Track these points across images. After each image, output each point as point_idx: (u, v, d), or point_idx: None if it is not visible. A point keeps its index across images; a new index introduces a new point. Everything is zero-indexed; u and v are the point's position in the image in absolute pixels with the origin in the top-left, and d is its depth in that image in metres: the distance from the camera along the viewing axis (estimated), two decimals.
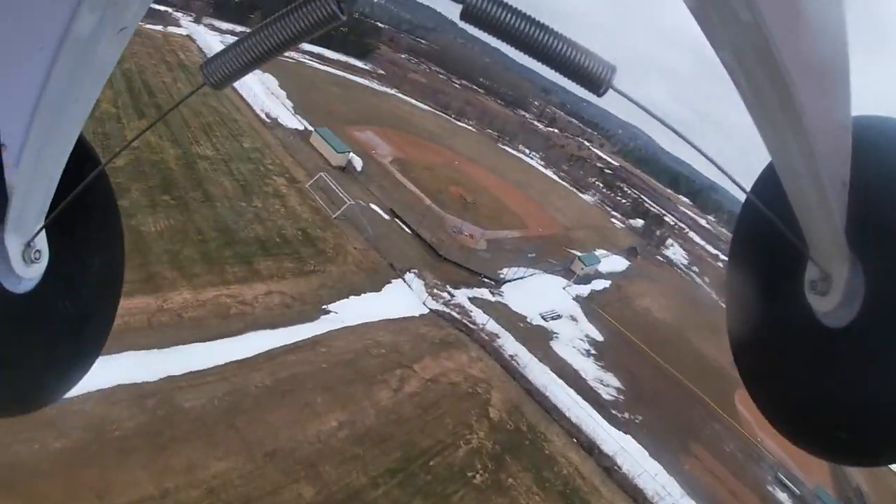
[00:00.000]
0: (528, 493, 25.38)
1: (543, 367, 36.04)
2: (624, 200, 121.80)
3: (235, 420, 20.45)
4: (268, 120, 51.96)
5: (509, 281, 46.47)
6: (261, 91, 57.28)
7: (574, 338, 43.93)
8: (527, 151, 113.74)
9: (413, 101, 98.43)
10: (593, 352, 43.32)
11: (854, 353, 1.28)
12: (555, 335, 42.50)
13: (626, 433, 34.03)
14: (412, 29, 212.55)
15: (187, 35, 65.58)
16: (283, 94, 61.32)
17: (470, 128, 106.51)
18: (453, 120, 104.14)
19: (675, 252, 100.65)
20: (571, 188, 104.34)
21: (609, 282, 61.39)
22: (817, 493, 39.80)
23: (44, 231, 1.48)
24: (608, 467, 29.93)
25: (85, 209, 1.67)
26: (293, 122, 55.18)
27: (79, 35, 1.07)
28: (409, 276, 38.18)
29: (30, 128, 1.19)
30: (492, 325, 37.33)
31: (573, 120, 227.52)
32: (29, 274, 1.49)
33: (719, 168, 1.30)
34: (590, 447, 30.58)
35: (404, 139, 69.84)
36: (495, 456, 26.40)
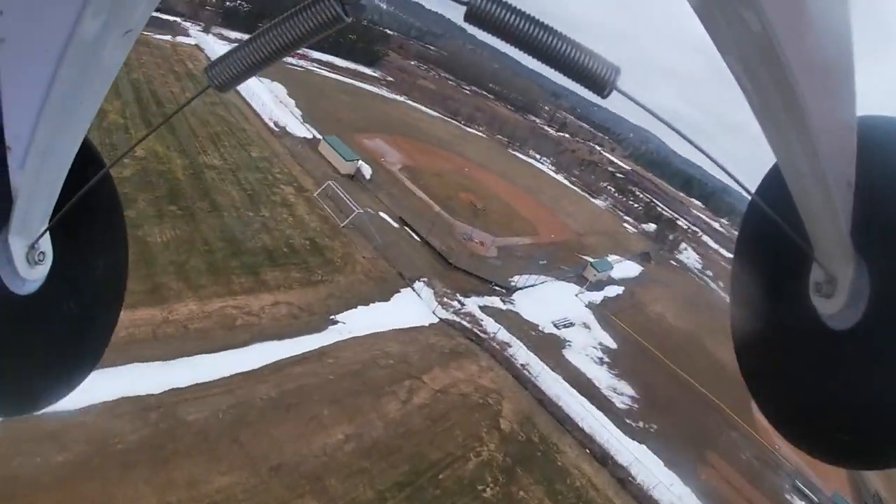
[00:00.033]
0: None
1: (556, 376, 35.35)
2: (636, 205, 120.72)
3: (240, 433, 20.15)
4: (276, 129, 52.02)
5: (521, 288, 45.81)
6: (269, 100, 57.49)
7: (587, 346, 43.18)
8: (537, 157, 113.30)
9: (422, 108, 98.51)
10: (606, 360, 42.52)
11: (859, 356, 1.27)
12: (567, 343, 41.79)
13: (640, 443, 33.21)
14: (421, 35, 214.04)
15: (196, 45, 66.01)
16: (291, 102, 61.49)
17: (480, 134, 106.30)
18: (463, 126, 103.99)
19: (689, 256, 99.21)
20: (583, 193, 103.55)
21: (622, 288, 60.48)
22: (835, 500, 38.98)
23: (48, 233, 1.51)
24: (622, 478, 29.14)
25: (89, 211, 1.69)
26: (302, 130, 55.22)
27: (84, 38, 1.05)
28: (418, 284, 37.76)
29: (35, 130, 1.18)
30: (503, 334, 36.72)
31: (584, 124, 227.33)
32: (33, 275, 1.52)
33: (723, 168, 1.27)
34: (603, 458, 29.83)
35: (413, 146, 69.66)
36: (506, 468, 25.80)
